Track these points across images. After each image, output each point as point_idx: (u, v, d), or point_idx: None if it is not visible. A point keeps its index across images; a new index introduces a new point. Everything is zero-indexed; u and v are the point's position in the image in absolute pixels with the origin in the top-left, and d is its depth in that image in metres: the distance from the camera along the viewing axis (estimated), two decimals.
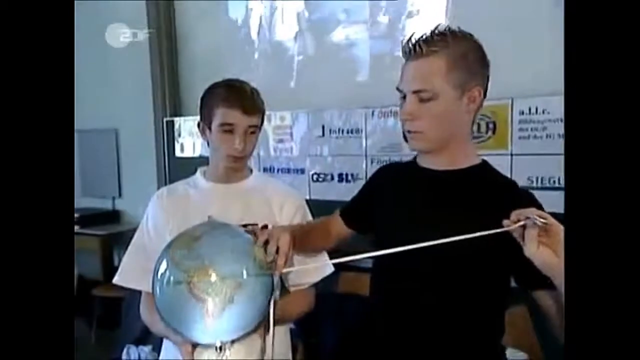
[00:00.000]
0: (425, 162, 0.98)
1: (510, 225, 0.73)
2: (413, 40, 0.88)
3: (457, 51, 0.86)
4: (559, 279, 0.71)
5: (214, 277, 0.84)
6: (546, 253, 0.71)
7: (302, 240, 1.03)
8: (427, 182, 0.96)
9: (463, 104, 0.89)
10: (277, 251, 0.88)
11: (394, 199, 1.02)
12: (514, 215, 0.73)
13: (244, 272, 0.85)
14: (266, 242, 0.89)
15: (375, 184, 1.10)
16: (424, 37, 0.87)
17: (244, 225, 1.06)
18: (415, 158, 1.03)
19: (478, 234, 0.75)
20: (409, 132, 0.92)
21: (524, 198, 0.87)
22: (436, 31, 0.87)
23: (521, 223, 0.73)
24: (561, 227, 0.70)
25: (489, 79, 0.92)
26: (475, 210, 0.87)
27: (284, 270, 0.89)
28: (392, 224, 0.99)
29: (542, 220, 0.70)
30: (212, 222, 0.98)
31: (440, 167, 0.94)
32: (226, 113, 1.09)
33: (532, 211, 0.72)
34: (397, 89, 0.93)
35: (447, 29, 0.88)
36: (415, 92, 0.88)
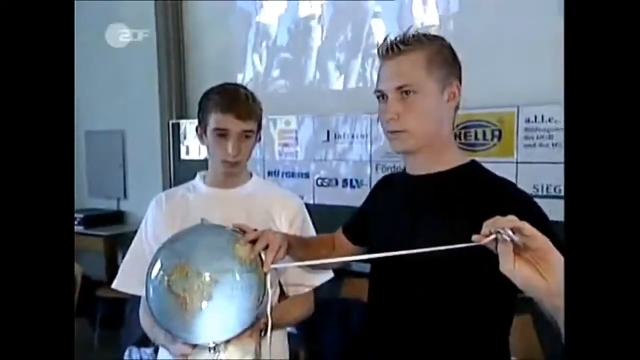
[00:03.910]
0: (412, 168, 0.97)
1: (480, 239, 0.64)
2: (389, 41, 0.91)
3: (433, 48, 0.90)
4: (548, 303, 0.63)
5: (189, 274, 0.85)
6: (526, 272, 0.62)
7: (303, 250, 1.02)
8: (413, 188, 0.95)
9: (444, 100, 0.90)
10: (266, 249, 0.88)
11: (383, 208, 1.02)
12: (485, 226, 0.64)
13: (220, 269, 0.85)
14: (255, 241, 0.89)
15: (372, 195, 1.11)
16: (400, 37, 0.91)
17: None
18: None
19: (445, 247, 0.69)
20: (393, 132, 0.91)
21: (516, 199, 0.85)
22: (410, 33, 0.92)
23: (492, 237, 0.62)
24: (548, 244, 0.61)
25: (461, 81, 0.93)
26: (462, 212, 0.85)
27: (272, 266, 0.88)
28: (379, 233, 0.99)
29: (510, 234, 0.60)
30: (200, 224, 0.98)
31: (426, 170, 0.93)
32: (219, 118, 1.09)
33: (505, 222, 0.62)
34: (376, 91, 0.94)
35: (417, 31, 0.92)
36: (398, 88, 0.89)
